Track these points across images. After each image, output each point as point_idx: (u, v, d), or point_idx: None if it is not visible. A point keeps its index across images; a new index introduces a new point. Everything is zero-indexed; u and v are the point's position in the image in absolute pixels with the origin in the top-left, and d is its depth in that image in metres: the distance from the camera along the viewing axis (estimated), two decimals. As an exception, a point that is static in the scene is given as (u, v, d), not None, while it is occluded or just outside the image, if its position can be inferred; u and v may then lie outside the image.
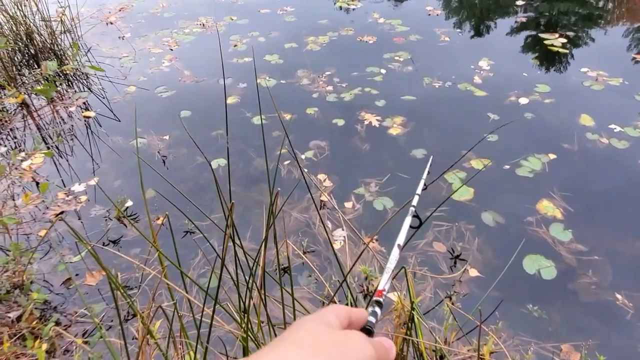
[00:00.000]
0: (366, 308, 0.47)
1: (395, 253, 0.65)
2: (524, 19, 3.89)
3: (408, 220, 0.81)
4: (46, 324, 1.42)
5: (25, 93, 3.07)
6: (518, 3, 4.19)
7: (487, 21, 4.01)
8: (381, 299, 0.51)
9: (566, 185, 2.19)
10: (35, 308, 1.73)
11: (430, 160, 1.41)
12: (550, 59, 3.28)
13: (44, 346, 1.28)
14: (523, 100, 2.80)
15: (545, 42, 3.45)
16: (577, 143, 2.45)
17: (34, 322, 1.57)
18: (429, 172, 1.19)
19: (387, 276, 0.57)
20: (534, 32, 3.66)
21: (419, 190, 1.01)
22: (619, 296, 1.74)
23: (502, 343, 1.59)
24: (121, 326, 1.19)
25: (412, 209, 0.83)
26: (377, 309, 0.48)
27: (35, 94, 3.00)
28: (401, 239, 0.70)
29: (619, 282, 1.78)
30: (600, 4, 4.18)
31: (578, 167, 2.31)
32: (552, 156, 2.37)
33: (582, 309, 1.72)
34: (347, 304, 1.69)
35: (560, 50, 3.33)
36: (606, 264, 1.85)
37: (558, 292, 1.78)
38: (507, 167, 2.32)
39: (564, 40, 3.44)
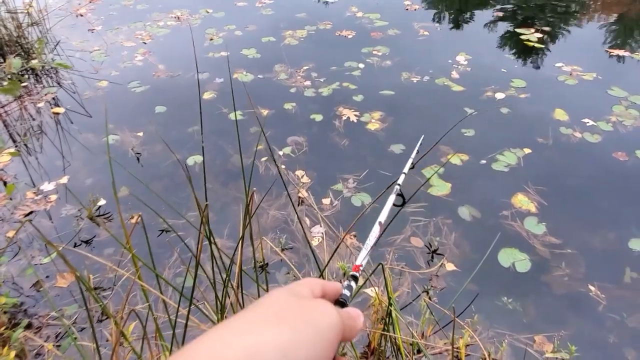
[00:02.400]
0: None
1: (375, 230, 0.65)
2: (500, 14, 3.93)
3: (392, 199, 0.81)
4: (15, 330, 1.37)
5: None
6: (494, -3, 4.23)
7: (465, 15, 4.04)
8: (357, 274, 0.51)
9: (540, 179, 2.23)
10: (5, 312, 1.67)
11: (420, 139, 1.38)
12: (526, 54, 3.32)
13: (13, 353, 1.24)
14: (499, 95, 2.83)
15: (522, 37, 3.49)
16: (551, 137, 2.49)
17: (3, 328, 1.52)
18: (418, 151, 1.18)
19: (365, 252, 0.58)
20: (510, 27, 3.71)
21: (405, 169, 1.00)
22: (592, 287, 1.78)
23: (478, 335, 1.62)
24: (92, 329, 1.16)
25: (397, 187, 0.82)
26: (353, 283, 0.48)
27: (4, 94, 2.90)
28: (383, 216, 0.69)
29: (592, 274, 1.82)
30: (574, -1, 4.26)
31: (552, 161, 2.35)
32: (527, 150, 2.40)
33: (555, 301, 1.76)
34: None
35: (536, 45, 3.38)
36: (579, 257, 1.89)
37: (532, 284, 1.81)
38: (484, 161, 2.35)
39: (540, 35, 3.49)
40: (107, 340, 1.60)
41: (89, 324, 1.69)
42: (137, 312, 1.39)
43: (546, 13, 3.94)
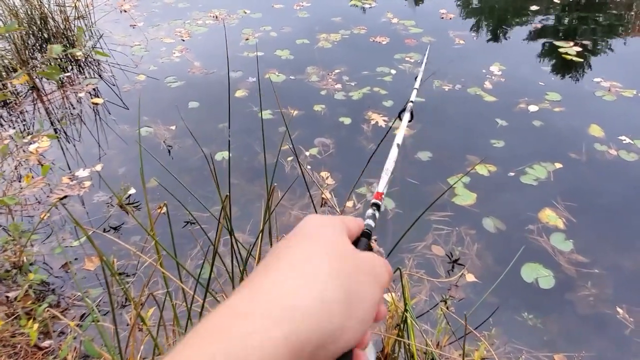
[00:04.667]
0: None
1: (394, 153, 0.61)
2: (539, 26, 3.85)
3: (406, 118, 0.74)
4: (41, 305, 1.44)
5: (34, 75, 3.10)
6: (532, 8, 4.14)
7: (503, 26, 3.97)
8: (380, 202, 0.48)
9: (570, 195, 2.17)
10: (33, 290, 1.75)
11: (427, 50, 1.29)
12: (563, 68, 3.24)
13: (36, 326, 1.30)
14: (532, 108, 2.77)
15: (560, 50, 3.41)
16: (584, 153, 2.42)
17: (30, 303, 1.59)
18: (426, 63, 1.13)
19: (385, 178, 0.54)
20: (549, 40, 3.62)
21: (417, 84, 0.93)
22: (620, 310, 1.71)
23: (495, 350, 1.58)
24: (113, 311, 1.20)
25: (410, 104, 0.77)
26: (376, 212, 0.46)
27: (45, 77, 3.04)
28: (399, 137, 0.65)
29: (619, 296, 1.76)
30: (621, 13, 4.12)
31: (584, 178, 2.29)
32: (558, 165, 2.34)
33: (578, 321, 1.70)
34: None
35: (575, 58, 3.29)
36: (606, 277, 1.83)
37: (555, 302, 1.76)
38: (512, 174, 2.30)
39: (579, 49, 3.39)
40: (128, 325, 1.65)
41: (110, 307, 1.76)
42: (156, 298, 1.44)
43: (588, 27, 3.83)
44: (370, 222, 0.43)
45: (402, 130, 0.68)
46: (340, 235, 0.35)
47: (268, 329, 0.26)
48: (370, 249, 0.40)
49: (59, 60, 3.10)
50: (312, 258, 0.32)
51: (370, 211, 0.46)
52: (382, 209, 0.49)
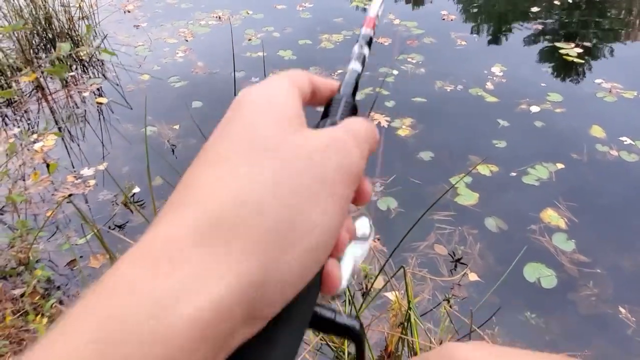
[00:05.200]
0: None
1: None
2: (540, 27, 3.86)
3: None
4: (48, 300, 1.45)
5: (39, 74, 3.12)
6: (533, 10, 4.15)
7: (504, 27, 3.99)
8: (372, 34, 0.31)
9: (572, 196, 2.18)
10: (40, 286, 1.76)
11: None
12: (565, 69, 3.25)
13: (44, 321, 1.31)
14: (534, 108, 2.79)
15: (561, 51, 3.42)
16: (586, 154, 2.43)
17: (37, 298, 1.61)
18: None
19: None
20: (550, 41, 3.64)
21: None
22: (622, 309, 1.72)
23: (498, 348, 1.59)
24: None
25: None
26: (366, 50, 0.31)
27: (50, 75, 3.05)
28: None
29: (621, 296, 1.77)
30: (622, 15, 4.13)
31: (586, 178, 2.30)
32: (560, 165, 2.35)
33: (580, 320, 1.72)
34: (344, 301, 1.71)
35: (576, 60, 3.31)
36: (608, 277, 1.84)
37: (557, 301, 1.78)
38: (514, 174, 2.32)
39: (580, 50, 3.41)
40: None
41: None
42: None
43: (589, 29, 3.85)
44: (356, 65, 0.29)
45: None
46: (281, 119, 0.23)
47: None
48: (354, 112, 0.28)
49: (64, 59, 3.12)
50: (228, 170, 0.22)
51: (356, 48, 0.31)
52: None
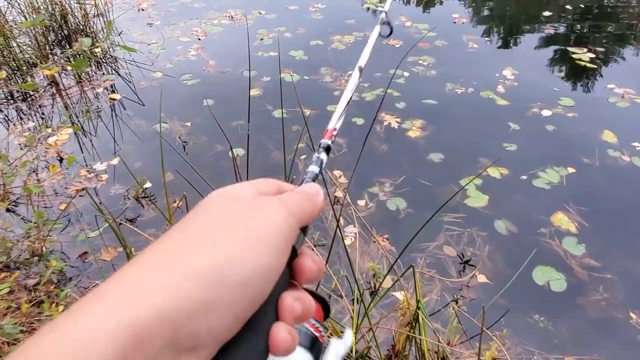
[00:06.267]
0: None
1: (354, 78, 0.49)
2: (552, 31, 3.85)
3: (377, 30, 0.58)
4: (63, 290, 1.47)
5: (59, 67, 3.16)
6: (545, 14, 4.14)
7: (515, 31, 3.98)
8: (329, 142, 0.38)
9: (583, 200, 2.17)
10: (55, 276, 1.79)
11: None
12: (577, 73, 3.24)
13: (61, 308, 1.33)
14: (546, 112, 2.78)
15: (573, 56, 3.41)
16: (597, 159, 2.42)
17: (52, 288, 1.63)
18: None
19: (341, 109, 0.42)
20: (561, 46, 3.62)
21: None
22: (633, 315, 1.71)
23: (506, 350, 1.59)
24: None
25: (382, 14, 0.61)
26: (323, 155, 0.37)
27: (69, 70, 3.09)
28: (364, 59, 0.52)
29: (631, 301, 1.76)
30: (633, 22, 4.11)
31: (597, 183, 2.29)
32: (570, 170, 2.34)
33: (589, 324, 1.71)
34: (353, 300, 1.72)
35: (588, 65, 3.29)
36: (618, 282, 1.83)
37: (566, 305, 1.77)
38: (525, 177, 2.31)
39: (592, 56, 3.39)
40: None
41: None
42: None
43: (601, 35, 3.83)
44: (314, 168, 0.35)
45: (369, 48, 0.55)
46: (225, 197, 0.29)
47: (99, 318, 0.21)
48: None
49: (81, 55, 3.16)
50: (180, 227, 0.27)
51: (315, 155, 0.37)
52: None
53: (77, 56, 2.96)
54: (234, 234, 0.26)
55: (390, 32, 0.61)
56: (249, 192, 0.30)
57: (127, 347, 0.21)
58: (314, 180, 0.35)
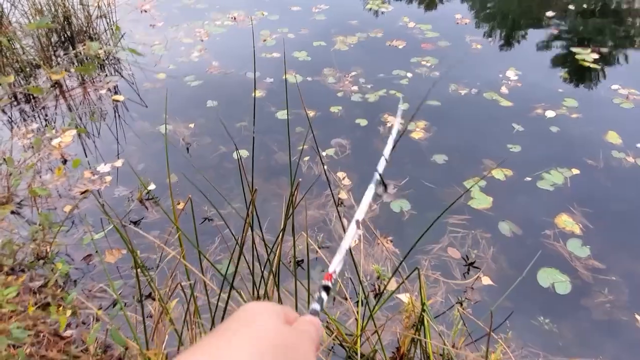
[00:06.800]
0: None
1: (351, 230, 0.56)
2: (555, 31, 3.84)
3: (371, 189, 0.64)
4: (69, 293, 1.47)
5: (64, 70, 3.17)
6: (548, 14, 4.13)
7: (518, 31, 3.97)
8: (330, 283, 0.46)
9: (587, 202, 2.17)
10: (61, 279, 1.79)
11: (400, 106, 1.05)
12: (580, 74, 3.23)
13: (69, 312, 1.33)
14: (550, 113, 2.77)
15: (577, 56, 3.40)
16: (602, 160, 2.41)
17: (59, 290, 1.63)
18: (400, 126, 0.83)
19: (339, 257, 0.50)
20: (565, 46, 3.61)
21: (386, 153, 0.73)
22: (638, 317, 1.71)
23: (511, 352, 1.59)
24: (141, 301, 1.23)
25: (377, 174, 0.65)
26: (324, 294, 0.44)
27: (72, 71, 3.10)
28: (361, 214, 0.58)
29: (636, 303, 1.76)
30: (637, 21, 4.10)
31: (601, 185, 2.28)
32: (575, 171, 2.34)
33: (594, 327, 1.70)
34: (357, 302, 1.71)
35: (592, 65, 3.28)
36: (623, 284, 1.83)
37: (571, 307, 1.76)
38: (529, 179, 2.31)
39: (596, 56, 3.38)
40: (149, 316, 1.68)
41: (130, 300, 1.79)
42: (178, 291, 1.47)
43: (604, 35, 3.81)
44: (316, 306, 0.42)
45: (365, 204, 0.60)
46: (274, 320, 0.36)
47: None
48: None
49: (87, 58, 3.17)
50: (239, 339, 0.33)
51: (317, 295, 0.44)
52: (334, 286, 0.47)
53: (85, 59, 2.97)
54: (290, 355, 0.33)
55: (385, 189, 0.67)
56: (279, 321, 0.36)
57: None
58: (316, 314, 0.42)
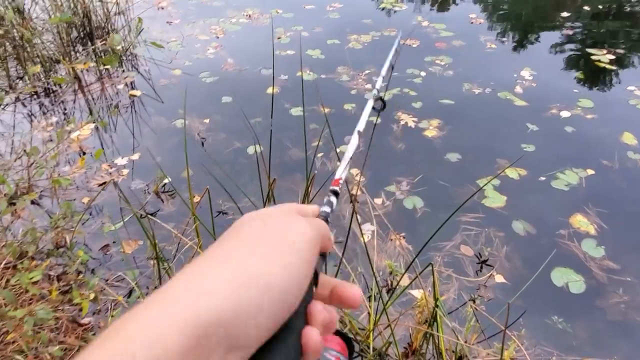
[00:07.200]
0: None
1: (354, 140, 0.60)
2: (570, 32, 3.82)
3: (370, 104, 0.70)
4: (90, 280, 1.51)
5: (84, 64, 3.22)
6: (562, 15, 4.10)
7: (532, 32, 3.95)
8: (337, 188, 0.49)
9: (602, 202, 2.15)
10: (83, 266, 1.83)
11: (399, 36, 1.04)
12: (596, 75, 3.21)
13: (92, 295, 1.37)
14: (565, 114, 2.76)
15: (592, 57, 3.38)
16: (617, 161, 2.40)
17: (80, 276, 1.67)
18: (397, 49, 0.91)
19: (344, 164, 0.54)
20: (580, 46, 3.59)
21: (383, 72, 0.82)
22: (653, 318, 1.70)
23: (525, 350, 1.59)
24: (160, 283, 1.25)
25: (374, 91, 0.72)
26: (333, 198, 0.47)
27: (91, 66, 3.15)
28: (362, 124, 0.63)
29: (651, 304, 1.75)
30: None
31: (616, 185, 2.27)
32: (590, 172, 2.33)
33: (608, 327, 1.70)
34: (369, 297, 1.73)
35: (607, 66, 3.26)
36: (638, 285, 1.82)
37: (585, 307, 1.76)
38: (543, 178, 2.30)
39: (612, 57, 3.35)
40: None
41: (147, 289, 1.82)
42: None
43: (618, 37, 3.78)
44: (326, 208, 0.44)
45: (365, 116, 0.66)
46: (259, 219, 0.34)
47: (172, 315, 0.25)
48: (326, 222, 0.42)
49: (111, 50, 3.22)
50: (225, 242, 0.31)
51: (326, 198, 0.47)
52: (339, 196, 0.48)
53: (105, 53, 3.02)
54: (274, 245, 0.31)
55: (384, 107, 0.72)
56: (277, 211, 0.35)
57: (191, 342, 0.24)
58: (326, 220, 0.42)
